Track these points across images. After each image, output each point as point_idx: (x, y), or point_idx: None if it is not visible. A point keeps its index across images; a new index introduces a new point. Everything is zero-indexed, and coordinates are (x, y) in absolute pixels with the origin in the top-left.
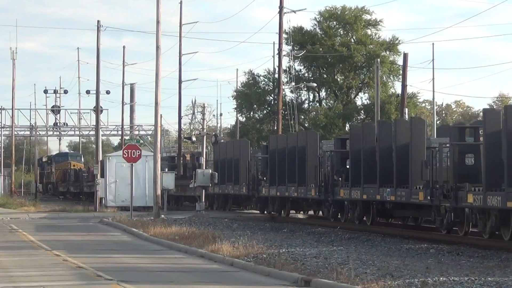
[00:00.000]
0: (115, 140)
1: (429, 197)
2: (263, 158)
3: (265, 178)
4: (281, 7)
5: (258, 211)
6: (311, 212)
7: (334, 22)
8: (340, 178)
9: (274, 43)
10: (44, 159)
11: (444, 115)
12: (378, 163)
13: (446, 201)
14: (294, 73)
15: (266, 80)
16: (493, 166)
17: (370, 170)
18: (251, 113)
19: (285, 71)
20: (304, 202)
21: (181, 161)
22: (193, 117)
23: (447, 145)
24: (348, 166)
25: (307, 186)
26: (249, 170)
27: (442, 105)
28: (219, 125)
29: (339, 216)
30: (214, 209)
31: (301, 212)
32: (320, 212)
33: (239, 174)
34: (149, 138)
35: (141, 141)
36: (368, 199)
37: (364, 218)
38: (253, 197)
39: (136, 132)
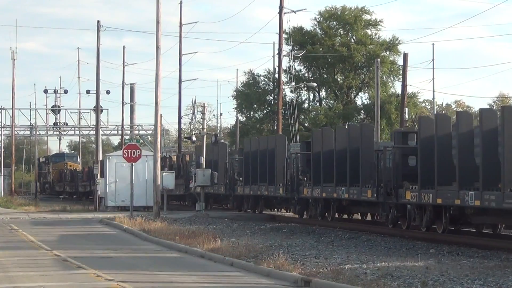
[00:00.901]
0: (115, 140)
1: (375, 195)
2: (239, 159)
3: (240, 178)
4: (281, 7)
5: (236, 209)
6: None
7: (334, 22)
8: (305, 178)
9: (274, 43)
10: (41, 159)
11: None
12: (335, 165)
13: (390, 198)
14: (294, 73)
15: (266, 80)
16: (427, 167)
17: (329, 170)
18: (251, 113)
19: (285, 71)
20: (274, 200)
21: (167, 162)
22: (193, 117)
23: (392, 148)
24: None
25: (276, 185)
26: (226, 171)
27: (442, 105)
28: (219, 125)
29: (304, 213)
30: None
31: (275, 209)
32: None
33: (218, 175)
34: (149, 138)
35: (141, 141)
36: (327, 197)
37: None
38: (230, 196)
39: (136, 132)
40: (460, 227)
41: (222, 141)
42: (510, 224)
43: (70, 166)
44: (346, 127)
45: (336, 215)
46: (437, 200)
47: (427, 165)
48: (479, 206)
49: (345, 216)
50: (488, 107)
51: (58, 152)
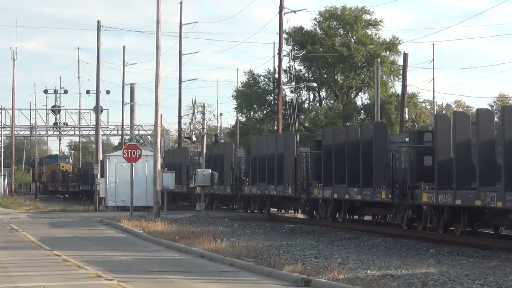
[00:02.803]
0: (115, 140)
1: (294, 191)
2: (198, 163)
3: None
4: (281, 7)
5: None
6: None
7: (334, 22)
8: (247, 178)
9: (274, 43)
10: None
11: None
12: (266, 167)
13: (304, 194)
14: (294, 73)
15: (266, 80)
16: (328, 169)
17: (263, 172)
18: (251, 113)
19: (285, 71)
20: (224, 198)
21: None
22: (193, 117)
23: (305, 153)
24: None
25: (225, 185)
26: (188, 173)
27: (442, 105)
28: (219, 125)
29: (248, 208)
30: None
31: (229, 206)
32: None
33: (181, 176)
34: (149, 138)
35: (141, 141)
36: (261, 194)
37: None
38: (191, 194)
39: (136, 132)
40: (362, 218)
41: (222, 141)
42: (385, 213)
43: (63, 167)
44: (275, 135)
45: (277, 210)
46: (334, 195)
47: (329, 167)
48: (360, 200)
49: (282, 211)
50: (488, 107)
51: (57, 153)
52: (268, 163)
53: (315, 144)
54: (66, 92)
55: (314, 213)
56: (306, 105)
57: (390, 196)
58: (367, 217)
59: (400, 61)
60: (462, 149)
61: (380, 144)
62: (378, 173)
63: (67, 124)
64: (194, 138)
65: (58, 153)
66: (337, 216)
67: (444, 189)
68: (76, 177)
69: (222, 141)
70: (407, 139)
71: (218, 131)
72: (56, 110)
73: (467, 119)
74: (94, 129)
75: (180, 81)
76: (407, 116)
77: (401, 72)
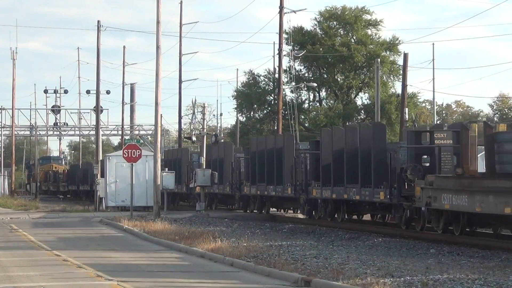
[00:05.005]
0: (115, 140)
1: (230, 190)
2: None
3: None
4: (281, 7)
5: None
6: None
7: (334, 22)
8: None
9: (274, 43)
10: (31, 162)
11: (444, 115)
12: (211, 168)
13: (238, 191)
14: (294, 73)
15: (266, 80)
16: (255, 171)
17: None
18: (251, 113)
19: (285, 71)
20: (182, 196)
21: None
22: (193, 117)
23: (239, 158)
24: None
25: (182, 185)
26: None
27: (442, 105)
28: (219, 125)
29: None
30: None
31: (190, 203)
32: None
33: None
34: (149, 138)
35: (141, 141)
36: (208, 192)
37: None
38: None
39: (136, 132)
40: (286, 211)
41: (222, 141)
42: (295, 206)
43: (55, 168)
44: (218, 144)
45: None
46: (257, 192)
47: (254, 169)
48: (275, 195)
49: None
50: (488, 107)
51: (57, 154)
52: (212, 166)
53: (247, 150)
54: (66, 92)
55: (247, 208)
56: (306, 105)
57: (293, 192)
58: (290, 211)
59: (400, 61)
60: (338, 156)
61: (289, 151)
62: (287, 174)
63: (67, 124)
64: (194, 138)
65: (58, 153)
66: (263, 210)
67: (326, 186)
68: (66, 177)
69: (222, 140)
70: (309, 147)
71: (218, 131)
72: (56, 110)
73: (341, 132)
74: (94, 129)
75: (180, 81)
76: (407, 116)
77: (401, 72)
